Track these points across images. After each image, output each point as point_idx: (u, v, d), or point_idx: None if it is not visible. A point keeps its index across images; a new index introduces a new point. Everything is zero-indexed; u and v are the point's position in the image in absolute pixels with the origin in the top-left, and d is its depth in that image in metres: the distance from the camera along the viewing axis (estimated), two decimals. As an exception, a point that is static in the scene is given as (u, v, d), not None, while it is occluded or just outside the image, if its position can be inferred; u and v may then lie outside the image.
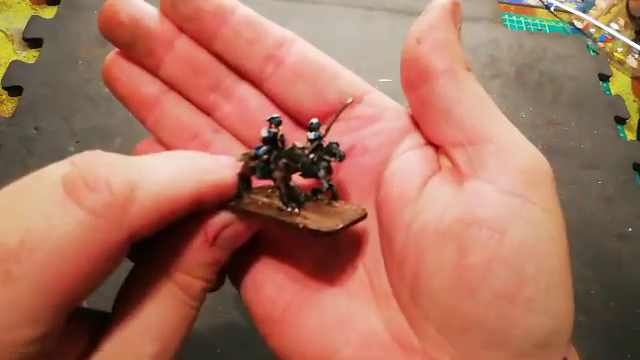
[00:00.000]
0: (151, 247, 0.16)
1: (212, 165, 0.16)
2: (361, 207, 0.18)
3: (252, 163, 0.17)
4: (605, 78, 0.55)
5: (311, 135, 0.17)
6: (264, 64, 0.20)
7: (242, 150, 0.20)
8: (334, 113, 0.19)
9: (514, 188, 0.16)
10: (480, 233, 0.15)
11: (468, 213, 0.16)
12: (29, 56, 0.45)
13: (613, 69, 0.56)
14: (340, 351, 0.17)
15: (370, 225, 0.19)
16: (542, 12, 0.60)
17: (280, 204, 0.17)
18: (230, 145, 0.21)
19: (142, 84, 0.21)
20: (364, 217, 0.17)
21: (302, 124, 0.21)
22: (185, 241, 0.16)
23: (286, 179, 0.17)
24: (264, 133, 0.17)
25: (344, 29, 0.52)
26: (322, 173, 0.18)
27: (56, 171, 0.13)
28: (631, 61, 0.57)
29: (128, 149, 0.42)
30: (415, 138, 0.19)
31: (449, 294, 0.16)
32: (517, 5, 0.59)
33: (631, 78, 0.56)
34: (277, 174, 0.17)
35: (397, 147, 0.19)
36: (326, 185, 0.18)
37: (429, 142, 0.19)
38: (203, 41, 0.20)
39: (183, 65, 0.20)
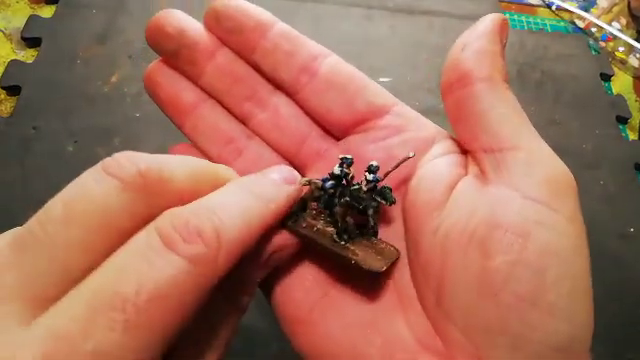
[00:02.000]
0: None
1: (272, 192, 0.17)
2: (395, 248, 0.19)
3: (316, 192, 0.19)
4: (607, 78, 0.55)
5: (370, 177, 0.19)
6: (299, 75, 0.21)
7: (274, 157, 0.22)
8: (365, 121, 0.21)
9: (539, 195, 0.16)
10: (504, 236, 0.16)
11: (493, 217, 0.16)
12: (27, 55, 0.45)
13: (615, 69, 0.55)
14: (365, 352, 0.18)
15: (396, 231, 0.20)
16: (543, 11, 0.60)
17: (334, 235, 0.19)
18: (263, 151, 0.22)
19: (182, 91, 0.22)
20: (398, 258, 0.19)
21: (331, 132, 0.22)
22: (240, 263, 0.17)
23: (345, 215, 0.19)
24: (336, 170, 0.18)
25: (344, 28, 0.51)
26: (371, 212, 0.19)
27: (129, 204, 0.14)
28: (633, 60, 0.57)
29: (126, 148, 0.41)
30: (440, 147, 0.20)
31: (473, 296, 0.16)
32: (518, 4, 0.59)
33: (633, 78, 0.56)
34: (339, 209, 0.19)
35: (423, 156, 0.20)
36: (372, 223, 0.19)
37: (457, 149, 0.20)
38: (242, 52, 0.22)
39: (222, 75, 0.22)
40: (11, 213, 0.36)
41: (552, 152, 0.18)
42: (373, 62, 0.49)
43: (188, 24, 0.21)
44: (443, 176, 0.18)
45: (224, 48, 0.22)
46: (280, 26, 0.21)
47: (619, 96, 0.53)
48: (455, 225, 0.17)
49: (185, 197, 0.15)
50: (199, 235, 0.14)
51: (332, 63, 0.21)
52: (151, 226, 0.14)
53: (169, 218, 0.14)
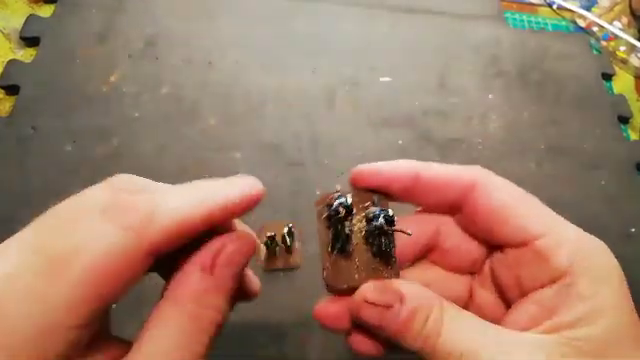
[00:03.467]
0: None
1: (223, 188, 0.19)
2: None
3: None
4: (608, 77, 0.54)
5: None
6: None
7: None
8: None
9: None
10: None
11: None
12: (26, 55, 0.45)
13: (616, 68, 0.55)
14: None
15: None
16: (544, 10, 0.59)
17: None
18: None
19: None
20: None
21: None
22: (187, 271, 0.18)
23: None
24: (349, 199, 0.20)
25: (345, 28, 0.51)
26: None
27: (98, 196, 0.17)
28: (634, 60, 0.56)
29: (125, 149, 0.42)
30: None
31: None
32: (519, 3, 0.59)
33: (634, 77, 0.56)
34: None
35: None
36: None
37: None
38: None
39: None
40: (10, 213, 0.36)
41: None
42: (373, 62, 0.49)
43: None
44: None
45: None
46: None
47: (620, 96, 0.53)
48: None
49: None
50: (135, 210, 0.16)
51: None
52: (100, 198, 0.17)
53: (116, 192, 0.17)
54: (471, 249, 0.23)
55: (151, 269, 0.18)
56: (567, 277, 0.19)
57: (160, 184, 0.18)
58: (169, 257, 0.18)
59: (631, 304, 0.19)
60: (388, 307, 0.19)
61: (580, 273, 0.19)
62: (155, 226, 0.16)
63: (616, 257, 0.42)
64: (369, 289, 0.20)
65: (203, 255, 0.18)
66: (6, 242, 0.16)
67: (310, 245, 0.38)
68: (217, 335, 0.18)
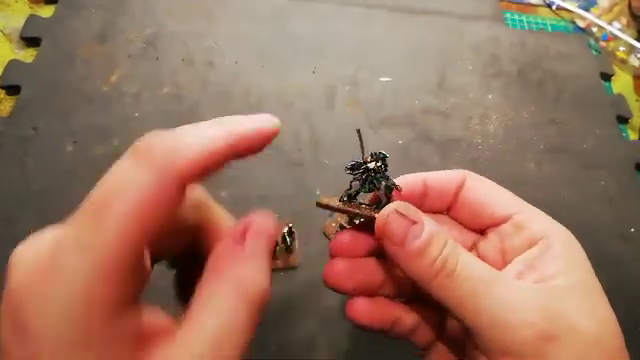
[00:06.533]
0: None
1: (241, 121, 0.21)
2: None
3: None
4: (607, 77, 0.54)
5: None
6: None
7: None
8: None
9: None
10: None
11: None
12: (27, 55, 0.45)
13: (615, 68, 0.55)
14: None
15: None
16: (544, 10, 0.60)
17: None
18: None
19: None
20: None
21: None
22: (221, 245, 0.20)
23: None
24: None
25: (345, 28, 0.51)
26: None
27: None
28: (633, 60, 0.56)
29: (126, 148, 0.41)
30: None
31: None
32: (519, 4, 0.59)
33: (633, 77, 0.56)
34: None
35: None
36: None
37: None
38: None
39: None
40: (10, 213, 0.36)
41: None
42: (373, 62, 0.49)
43: None
44: None
45: None
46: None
47: (619, 96, 0.53)
48: None
49: None
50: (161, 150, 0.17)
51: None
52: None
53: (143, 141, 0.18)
54: (459, 240, 0.26)
55: (171, 264, 0.20)
56: (544, 240, 0.23)
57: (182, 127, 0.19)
58: (185, 258, 0.21)
59: (589, 264, 0.23)
60: (414, 222, 0.21)
61: (553, 238, 0.23)
62: (182, 156, 0.17)
63: (615, 257, 0.42)
64: (401, 203, 0.22)
65: (233, 230, 0.20)
66: None
67: (310, 245, 0.38)
68: (262, 307, 0.19)
